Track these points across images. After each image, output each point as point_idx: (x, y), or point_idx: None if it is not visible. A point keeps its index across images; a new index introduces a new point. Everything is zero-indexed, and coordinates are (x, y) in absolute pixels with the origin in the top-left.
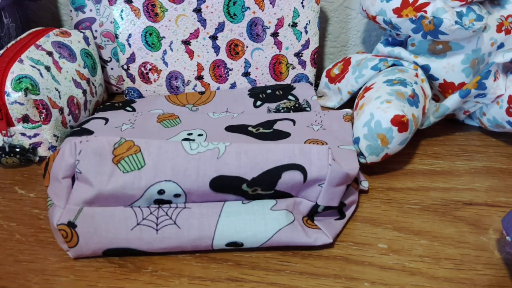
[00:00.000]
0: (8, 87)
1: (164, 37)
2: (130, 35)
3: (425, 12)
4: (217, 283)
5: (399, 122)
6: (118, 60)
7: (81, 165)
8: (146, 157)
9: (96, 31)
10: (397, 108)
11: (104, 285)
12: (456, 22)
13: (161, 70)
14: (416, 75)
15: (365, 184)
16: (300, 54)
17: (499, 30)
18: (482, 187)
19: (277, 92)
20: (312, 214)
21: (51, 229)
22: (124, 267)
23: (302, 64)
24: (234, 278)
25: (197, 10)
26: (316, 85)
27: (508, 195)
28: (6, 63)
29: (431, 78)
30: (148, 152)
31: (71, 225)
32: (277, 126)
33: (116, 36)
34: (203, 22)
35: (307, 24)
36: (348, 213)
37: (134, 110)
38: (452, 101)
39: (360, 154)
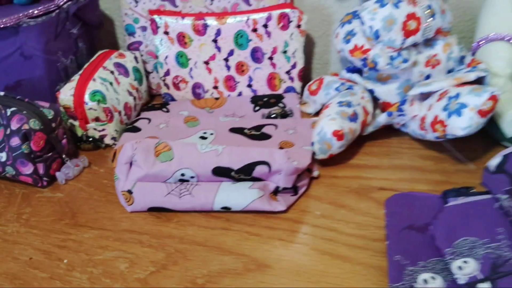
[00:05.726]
0: (86, 98)
1: (191, 58)
2: (166, 57)
3: (368, 55)
4: (214, 230)
5: (337, 134)
6: (157, 73)
7: (136, 156)
8: (174, 153)
9: (142, 50)
10: (338, 124)
11: (148, 228)
12: (387, 64)
13: (188, 81)
14: (363, 98)
15: (315, 173)
16: (290, 72)
17: (427, 65)
18: (395, 178)
19: (271, 100)
20: (275, 192)
21: (116, 194)
22: (160, 218)
23: (291, 79)
24: (225, 227)
25: (215, 41)
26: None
27: (410, 184)
28: (84, 81)
29: (376, 98)
30: (176, 150)
31: (130, 192)
32: (264, 129)
33: (157, 57)
34: (218, 49)
35: (294, 51)
36: (300, 191)
37: (168, 111)
38: (382, 118)
39: (314, 153)
